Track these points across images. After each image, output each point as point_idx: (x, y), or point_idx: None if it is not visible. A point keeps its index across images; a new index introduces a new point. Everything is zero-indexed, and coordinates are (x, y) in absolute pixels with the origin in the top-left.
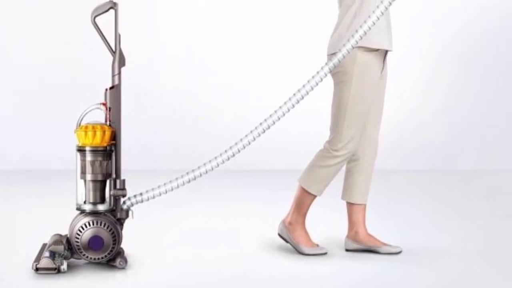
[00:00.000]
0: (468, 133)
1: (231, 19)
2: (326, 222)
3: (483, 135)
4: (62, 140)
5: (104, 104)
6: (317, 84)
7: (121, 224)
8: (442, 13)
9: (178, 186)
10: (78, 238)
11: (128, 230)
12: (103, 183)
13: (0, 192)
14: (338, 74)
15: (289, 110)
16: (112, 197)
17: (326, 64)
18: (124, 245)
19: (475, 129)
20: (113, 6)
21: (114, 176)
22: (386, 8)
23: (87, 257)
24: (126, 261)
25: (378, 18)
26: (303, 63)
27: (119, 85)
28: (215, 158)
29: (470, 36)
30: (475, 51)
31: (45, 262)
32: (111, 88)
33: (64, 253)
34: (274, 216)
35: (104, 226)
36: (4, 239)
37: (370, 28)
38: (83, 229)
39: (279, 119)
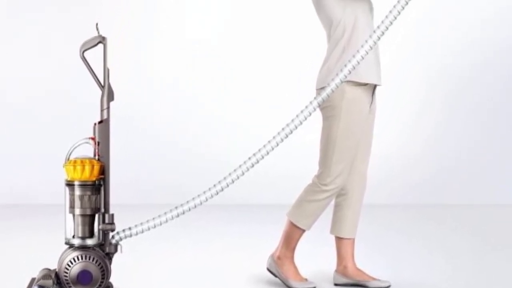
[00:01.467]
0: (456, 167)
1: (218, 52)
2: (315, 256)
3: (471, 169)
4: (51, 175)
5: (93, 139)
6: (306, 118)
7: (110, 259)
8: (430, 48)
9: (167, 221)
10: (67, 273)
11: (117, 264)
12: (92, 217)
13: None
14: (327, 108)
15: (278, 145)
16: (101, 232)
17: (314, 98)
18: (113, 279)
19: (464, 164)
20: (102, 40)
21: (103, 210)
22: (375, 43)
23: None
24: None
25: (367, 53)
26: (292, 97)
27: (107, 119)
28: (204, 192)
29: (457, 72)
30: (463, 86)
31: None
32: (100, 122)
33: (53, 287)
34: (263, 250)
35: (93, 260)
36: None
37: (358, 63)
38: (72, 263)
39: (268, 153)
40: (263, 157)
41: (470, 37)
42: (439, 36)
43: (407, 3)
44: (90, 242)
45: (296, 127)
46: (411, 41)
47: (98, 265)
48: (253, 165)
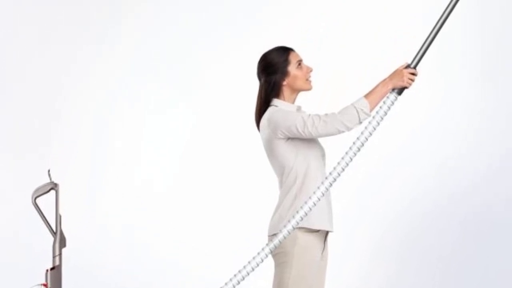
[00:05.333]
0: None
1: (170, 199)
2: None
3: None
4: None
5: (45, 285)
6: (257, 265)
7: None
8: (383, 195)
9: None
10: None
11: None
12: None
13: None
14: (279, 255)
15: None
16: None
17: (267, 245)
18: None
19: None
20: (54, 187)
21: None
22: (327, 189)
23: None
24: None
25: (319, 199)
26: (244, 244)
27: (60, 266)
28: None
29: (411, 220)
30: (416, 234)
31: None
32: (52, 269)
33: None
34: None
35: None
36: None
37: (310, 209)
38: None
39: None
40: None
41: (423, 185)
42: (392, 183)
43: (359, 149)
44: None
45: (248, 274)
46: (364, 188)
47: None
48: None
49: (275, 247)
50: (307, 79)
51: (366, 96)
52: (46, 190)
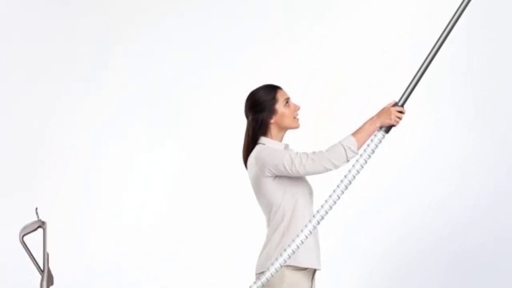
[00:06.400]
0: None
1: (157, 237)
2: None
3: None
4: None
5: None
6: None
7: None
8: (371, 234)
9: None
10: None
11: None
12: None
13: None
14: None
15: None
16: None
17: (254, 283)
18: None
19: None
20: (42, 225)
21: None
22: (315, 227)
23: None
24: None
25: (307, 237)
26: (232, 284)
27: None
28: None
29: (400, 257)
30: (405, 272)
31: None
32: None
33: None
34: None
35: None
36: None
37: (298, 247)
38: None
39: None
40: None
41: (412, 223)
42: (380, 222)
43: (346, 187)
44: None
45: None
46: (352, 226)
47: None
48: None
49: (263, 285)
50: (294, 117)
51: (354, 134)
52: (33, 228)
